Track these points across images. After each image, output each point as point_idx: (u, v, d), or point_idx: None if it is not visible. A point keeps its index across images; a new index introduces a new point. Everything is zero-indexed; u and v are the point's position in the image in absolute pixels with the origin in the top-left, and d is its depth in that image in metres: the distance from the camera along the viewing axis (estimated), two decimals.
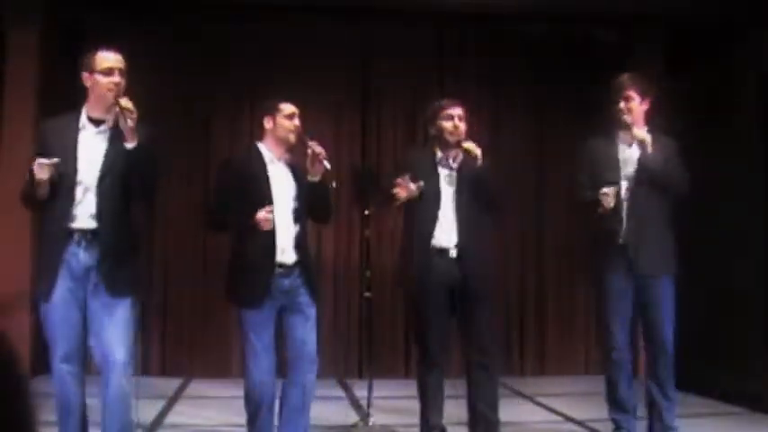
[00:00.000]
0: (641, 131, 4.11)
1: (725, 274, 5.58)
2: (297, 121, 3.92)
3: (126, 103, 3.31)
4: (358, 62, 6.95)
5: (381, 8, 6.45)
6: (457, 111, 4.18)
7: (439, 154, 4.19)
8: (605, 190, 4.05)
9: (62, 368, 3.38)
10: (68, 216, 3.36)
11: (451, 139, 4.13)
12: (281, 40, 6.67)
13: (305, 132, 3.92)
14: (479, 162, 4.02)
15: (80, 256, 3.37)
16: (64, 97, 6.33)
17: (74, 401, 3.41)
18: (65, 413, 3.41)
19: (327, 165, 3.82)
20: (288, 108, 3.93)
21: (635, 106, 4.17)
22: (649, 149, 4.08)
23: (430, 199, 4.11)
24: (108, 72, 3.39)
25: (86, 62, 3.44)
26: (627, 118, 4.16)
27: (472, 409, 4.14)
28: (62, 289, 3.36)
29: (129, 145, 3.35)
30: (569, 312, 7.07)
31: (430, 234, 4.09)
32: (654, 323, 4.20)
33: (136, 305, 3.50)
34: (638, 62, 6.45)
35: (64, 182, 3.36)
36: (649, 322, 4.22)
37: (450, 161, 4.16)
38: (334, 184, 3.89)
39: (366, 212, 4.93)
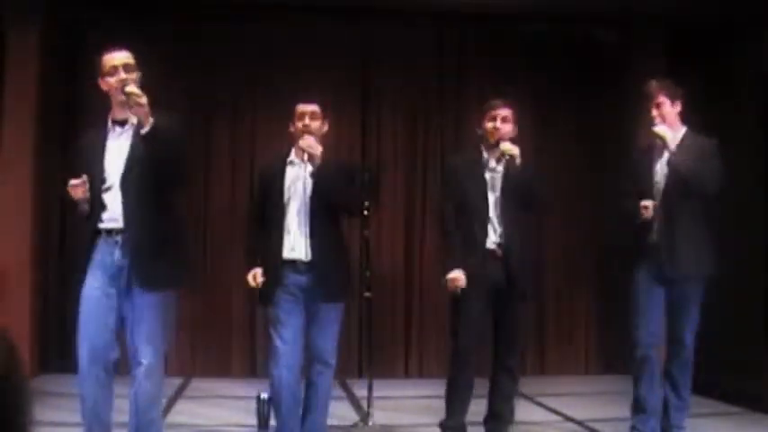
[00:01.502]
0: (660, 128, 4.12)
1: (724, 275, 5.57)
2: (307, 120, 3.93)
3: (131, 88, 3.29)
4: (358, 62, 6.94)
5: (381, 8, 6.45)
6: (500, 112, 4.21)
7: (485, 155, 4.24)
8: (645, 203, 4.08)
9: (85, 367, 3.33)
10: (99, 218, 3.39)
11: (491, 140, 4.19)
12: (281, 40, 6.66)
13: (307, 129, 3.92)
14: (518, 162, 4.05)
15: (115, 255, 3.37)
16: (64, 97, 6.38)
17: (91, 402, 3.34)
18: (86, 412, 3.36)
19: (310, 155, 3.82)
20: (299, 109, 3.97)
21: (667, 111, 4.18)
22: (671, 147, 4.08)
23: (477, 201, 4.17)
24: (113, 71, 3.40)
25: (98, 69, 3.45)
26: (657, 126, 4.14)
27: (491, 406, 4.23)
28: (94, 288, 3.37)
29: (144, 130, 3.31)
30: (569, 312, 7.06)
31: (482, 236, 4.13)
32: (675, 324, 4.22)
33: (174, 299, 3.49)
34: (638, 62, 6.46)
35: (94, 185, 3.39)
36: (671, 323, 4.23)
37: (494, 162, 4.20)
38: (310, 168, 3.85)
39: (366, 212, 4.92)
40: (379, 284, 5.50)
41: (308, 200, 3.89)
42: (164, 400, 5.35)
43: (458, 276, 4.08)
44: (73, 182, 3.34)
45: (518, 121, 4.30)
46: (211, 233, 6.67)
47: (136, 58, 3.46)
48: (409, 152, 6.94)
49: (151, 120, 3.29)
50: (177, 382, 6.17)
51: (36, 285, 6.07)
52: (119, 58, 3.43)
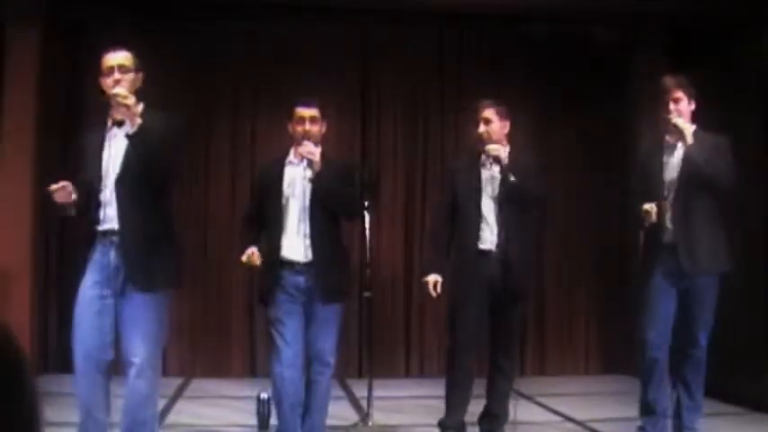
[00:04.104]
0: (680, 120, 4.08)
1: (725, 274, 5.57)
2: (307, 125, 3.95)
3: (117, 89, 3.29)
4: (358, 62, 6.95)
5: (381, 8, 6.44)
6: (484, 113, 4.27)
7: (482, 156, 4.27)
8: (647, 207, 4.02)
9: (80, 368, 3.34)
10: (96, 218, 3.40)
11: (480, 142, 4.23)
12: (281, 40, 6.66)
13: (307, 135, 3.95)
14: (503, 163, 4.08)
15: (111, 256, 3.38)
16: (64, 97, 6.37)
17: (87, 402, 3.35)
18: (81, 412, 3.36)
19: (311, 162, 3.84)
20: (297, 112, 3.99)
21: (684, 107, 4.16)
22: (689, 140, 4.04)
23: (472, 201, 4.20)
24: (109, 72, 3.41)
25: (99, 68, 3.45)
26: (675, 117, 4.11)
27: (487, 405, 4.30)
28: (89, 289, 3.38)
29: (130, 131, 3.30)
30: (569, 312, 7.06)
31: (474, 235, 4.17)
32: (689, 325, 4.15)
33: (168, 298, 3.50)
34: (638, 62, 6.46)
35: (93, 186, 3.40)
36: (685, 324, 4.17)
37: (488, 163, 4.23)
38: (309, 172, 3.89)
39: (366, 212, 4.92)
40: (379, 284, 5.50)
41: (307, 201, 3.91)
42: (165, 401, 5.37)
43: (429, 280, 4.22)
44: (53, 187, 3.30)
45: (509, 118, 4.31)
46: (211, 233, 6.66)
47: (137, 58, 3.46)
48: (409, 152, 6.94)
49: (139, 120, 3.28)
50: (177, 382, 6.17)
51: (36, 285, 6.06)
52: (114, 58, 3.43)
